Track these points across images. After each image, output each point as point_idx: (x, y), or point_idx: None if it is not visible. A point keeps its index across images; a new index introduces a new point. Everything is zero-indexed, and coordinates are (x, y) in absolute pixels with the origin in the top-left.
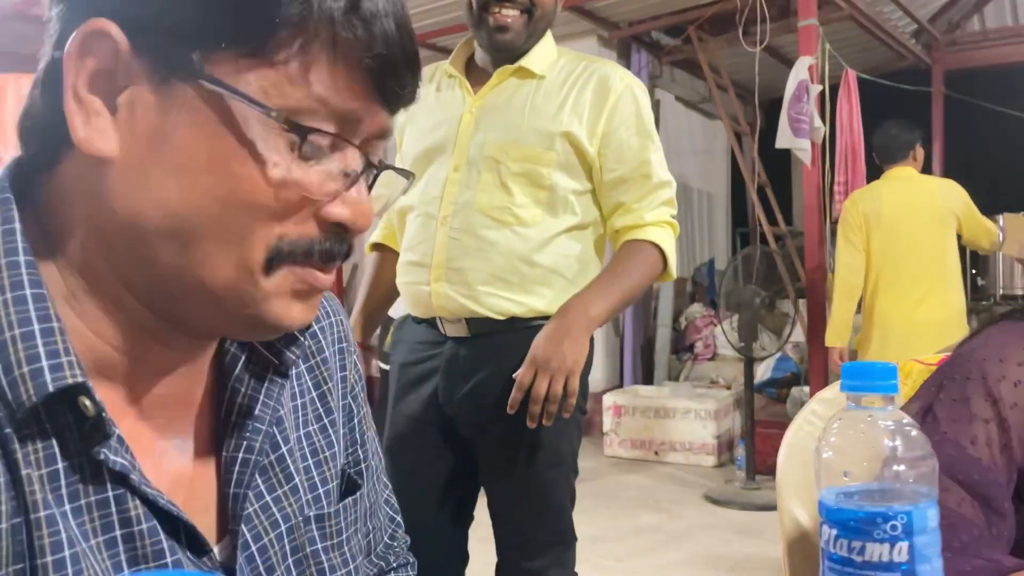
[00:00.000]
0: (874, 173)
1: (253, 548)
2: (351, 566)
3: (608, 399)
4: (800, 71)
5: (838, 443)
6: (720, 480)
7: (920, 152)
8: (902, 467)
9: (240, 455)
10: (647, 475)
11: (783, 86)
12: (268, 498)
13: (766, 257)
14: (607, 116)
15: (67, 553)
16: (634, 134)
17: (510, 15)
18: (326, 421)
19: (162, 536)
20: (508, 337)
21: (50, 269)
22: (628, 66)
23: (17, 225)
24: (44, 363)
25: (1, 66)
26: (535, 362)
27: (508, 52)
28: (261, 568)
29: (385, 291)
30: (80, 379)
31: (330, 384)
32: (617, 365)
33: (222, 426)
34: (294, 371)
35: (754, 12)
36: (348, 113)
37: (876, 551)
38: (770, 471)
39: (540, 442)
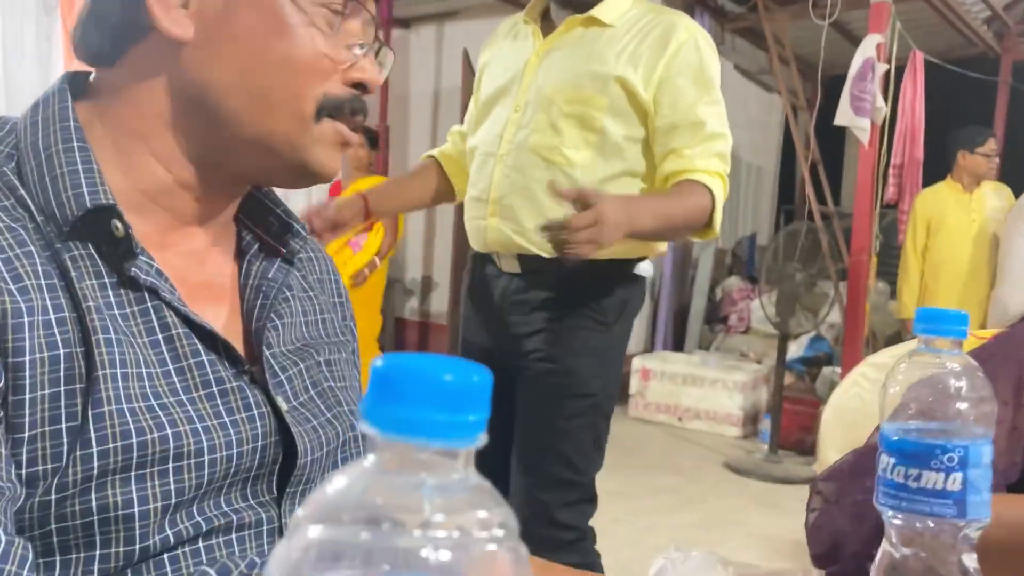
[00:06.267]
0: (931, 159)
1: (281, 376)
2: (356, 407)
3: (637, 362)
4: (868, 48)
5: (905, 379)
6: (741, 451)
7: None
8: (964, 405)
9: (259, 301)
10: (669, 439)
11: (845, 63)
12: (285, 339)
13: (812, 234)
14: (665, 63)
15: (113, 336)
16: (691, 84)
17: None
18: (319, 318)
19: (196, 340)
20: (558, 275)
21: (100, 134)
22: None
23: (69, 103)
24: (84, 189)
25: None
26: (596, 202)
27: (578, 6)
28: (289, 392)
29: (408, 183)
30: (112, 202)
31: (321, 304)
32: (649, 330)
33: (242, 288)
34: (293, 278)
35: None
36: None
37: (931, 479)
38: (793, 447)
39: (573, 374)
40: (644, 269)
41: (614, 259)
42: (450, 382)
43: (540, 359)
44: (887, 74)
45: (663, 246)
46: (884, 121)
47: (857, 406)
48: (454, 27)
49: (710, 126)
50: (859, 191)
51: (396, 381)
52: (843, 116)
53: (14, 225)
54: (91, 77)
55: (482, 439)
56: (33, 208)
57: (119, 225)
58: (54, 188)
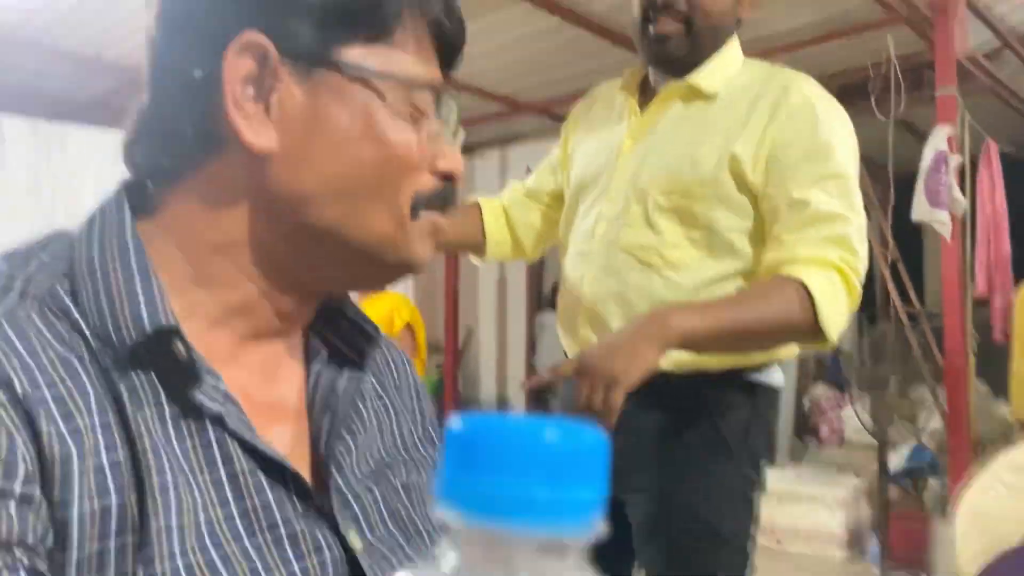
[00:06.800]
0: (1016, 251)
1: (355, 506)
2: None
3: None
4: (939, 140)
5: None
6: (850, 575)
7: None
8: None
9: (327, 419)
10: (769, 563)
11: (913, 161)
12: (359, 459)
13: (900, 335)
14: (772, 135)
15: (170, 478)
16: (801, 156)
17: (669, 25)
18: (396, 430)
19: (262, 474)
20: (665, 392)
21: (168, 250)
22: None
23: (128, 215)
24: (143, 310)
25: None
26: (579, 365)
27: (672, 66)
28: (364, 525)
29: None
30: (173, 323)
31: (397, 413)
32: None
33: (309, 403)
34: (369, 386)
35: (886, 82)
36: (434, 81)
37: None
38: (906, 566)
39: (694, 514)
40: (772, 377)
41: (732, 368)
42: (554, 444)
43: (653, 500)
44: (961, 167)
45: (790, 348)
46: (964, 215)
47: (995, 511)
48: (517, 150)
49: (818, 204)
50: (946, 287)
51: (481, 446)
52: (920, 211)
53: (67, 355)
54: (148, 186)
55: (601, 527)
56: (88, 333)
57: (182, 348)
58: (111, 310)
